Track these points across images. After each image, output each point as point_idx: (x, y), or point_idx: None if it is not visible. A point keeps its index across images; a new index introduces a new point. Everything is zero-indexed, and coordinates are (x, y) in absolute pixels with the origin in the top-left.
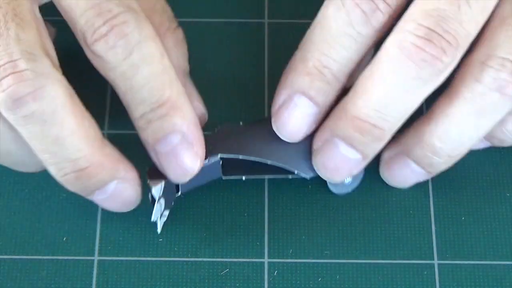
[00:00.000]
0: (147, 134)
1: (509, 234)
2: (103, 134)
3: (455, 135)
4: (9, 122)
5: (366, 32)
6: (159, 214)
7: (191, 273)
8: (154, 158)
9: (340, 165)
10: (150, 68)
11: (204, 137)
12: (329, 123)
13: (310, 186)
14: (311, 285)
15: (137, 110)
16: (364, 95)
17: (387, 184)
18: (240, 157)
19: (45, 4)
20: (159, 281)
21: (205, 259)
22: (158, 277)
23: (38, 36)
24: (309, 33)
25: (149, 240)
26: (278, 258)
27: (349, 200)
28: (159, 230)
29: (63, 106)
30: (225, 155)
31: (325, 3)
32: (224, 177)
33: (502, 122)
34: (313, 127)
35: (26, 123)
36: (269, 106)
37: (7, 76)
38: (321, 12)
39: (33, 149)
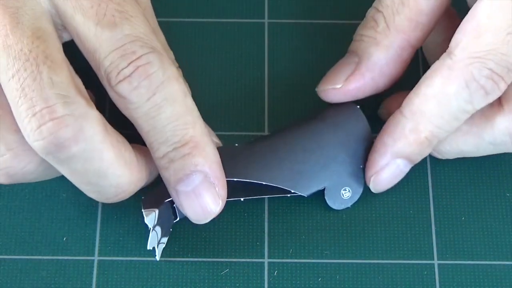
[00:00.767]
0: (169, 173)
1: (509, 234)
2: None
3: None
4: (48, 162)
5: (482, 106)
6: (155, 242)
7: (191, 273)
8: (175, 198)
9: (396, 179)
10: (173, 108)
11: None
12: (387, 146)
13: None
14: (311, 285)
15: (159, 150)
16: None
17: None
18: (236, 179)
19: None
20: (159, 281)
21: (205, 259)
22: (158, 277)
23: (70, 76)
24: (421, 104)
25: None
26: (278, 258)
27: None
28: (157, 257)
29: (101, 141)
30: None
31: (442, 76)
32: None
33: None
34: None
35: (68, 163)
36: (269, 106)
37: (46, 123)
38: (438, 86)
39: (74, 182)
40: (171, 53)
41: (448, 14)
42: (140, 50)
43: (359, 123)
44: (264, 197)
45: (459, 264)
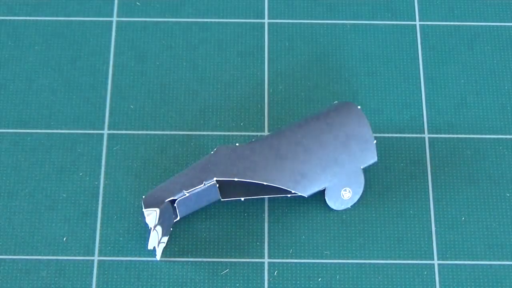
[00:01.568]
0: None
1: (509, 234)
2: (103, 134)
3: None
4: None
5: None
6: (156, 242)
7: (191, 273)
8: None
9: None
10: None
11: (201, 160)
12: None
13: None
14: (311, 285)
15: None
16: None
17: (386, 185)
18: (236, 179)
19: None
20: (159, 281)
21: (205, 259)
22: (158, 277)
23: None
24: None
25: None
26: (278, 258)
27: None
28: (158, 257)
29: None
30: (221, 178)
31: None
32: (222, 199)
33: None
34: None
35: None
36: (269, 107)
37: None
38: None
39: None
40: None
41: None
42: None
43: (360, 123)
44: (264, 197)
45: (459, 264)
